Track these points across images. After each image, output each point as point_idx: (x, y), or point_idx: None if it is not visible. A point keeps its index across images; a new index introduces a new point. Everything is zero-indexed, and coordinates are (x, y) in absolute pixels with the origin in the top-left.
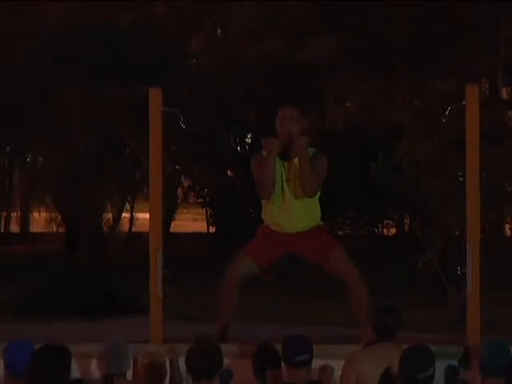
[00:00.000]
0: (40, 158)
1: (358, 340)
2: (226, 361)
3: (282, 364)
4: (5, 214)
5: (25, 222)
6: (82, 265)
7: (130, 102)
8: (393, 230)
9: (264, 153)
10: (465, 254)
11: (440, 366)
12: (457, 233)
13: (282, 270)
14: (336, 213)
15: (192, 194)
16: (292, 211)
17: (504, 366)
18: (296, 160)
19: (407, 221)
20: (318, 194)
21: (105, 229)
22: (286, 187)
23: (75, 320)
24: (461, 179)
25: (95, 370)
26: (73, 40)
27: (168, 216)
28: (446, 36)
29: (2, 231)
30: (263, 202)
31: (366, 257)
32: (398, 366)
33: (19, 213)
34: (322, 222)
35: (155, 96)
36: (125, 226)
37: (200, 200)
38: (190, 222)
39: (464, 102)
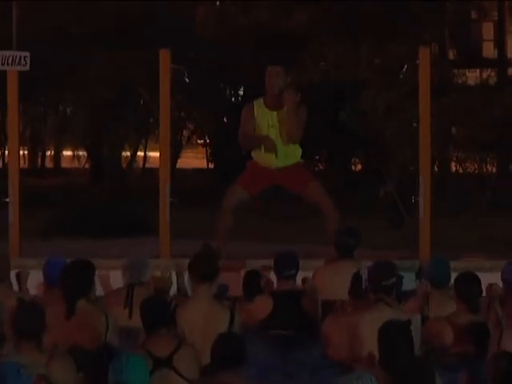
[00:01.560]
0: (69, 109)
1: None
2: (222, 274)
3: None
4: (40, 152)
5: (57, 159)
6: (104, 195)
7: (145, 61)
8: (359, 167)
9: (253, 104)
10: (418, 186)
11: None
12: (411, 168)
13: (268, 199)
14: (312, 152)
15: (194, 136)
16: (279, 149)
17: (447, 279)
18: (284, 109)
19: (372, 158)
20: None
21: (123, 165)
22: (271, 132)
23: (98, 239)
24: (415, 124)
25: (113, 281)
26: (100, 11)
27: (175, 154)
28: (404, 8)
29: (39, 167)
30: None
31: (337, 188)
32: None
33: (53, 151)
34: (301, 160)
35: (165, 56)
36: (139, 162)
37: (201, 141)
38: (193, 159)
39: (417, 61)
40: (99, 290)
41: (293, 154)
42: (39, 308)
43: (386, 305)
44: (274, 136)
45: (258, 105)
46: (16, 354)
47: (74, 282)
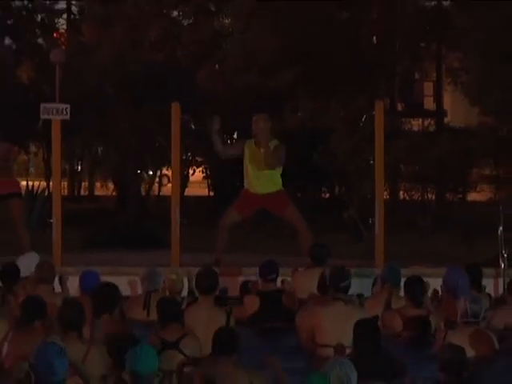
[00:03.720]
0: (100, 149)
1: (303, 264)
2: (222, 279)
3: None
4: (77, 183)
5: (91, 188)
6: (128, 216)
7: (161, 113)
8: (327, 195)
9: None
10: (374, 210)
11: (358, 281)
12: (368, 196)
13: (255, 221)
14: (290, 183)
15: (198, 170)
16: (260, 180)
17: (397, 281)
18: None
19: (337, 189)
20: (280, 169)
21: (143, 193)
22: (257, 162)
23: (123, 251)
24: (371, 162)
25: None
26: (126, 74)
27: (183, 185)
28: (362, 71)
29: (76, 194)
30: (245, 173)
31: (309, 212)
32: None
33: (87, 182)
34: (282, 188)
35: (175, 108)
36: (155, 191)
37: (204, 175)
38: (197, 188)
39: (374, 113)
40: (127, 292)
41: (274, 182)
42: (80, 305)
43: (343, 301)
44: (253, 167)
45: (249, 143)
46: (61, 341)
47: (100, 301)
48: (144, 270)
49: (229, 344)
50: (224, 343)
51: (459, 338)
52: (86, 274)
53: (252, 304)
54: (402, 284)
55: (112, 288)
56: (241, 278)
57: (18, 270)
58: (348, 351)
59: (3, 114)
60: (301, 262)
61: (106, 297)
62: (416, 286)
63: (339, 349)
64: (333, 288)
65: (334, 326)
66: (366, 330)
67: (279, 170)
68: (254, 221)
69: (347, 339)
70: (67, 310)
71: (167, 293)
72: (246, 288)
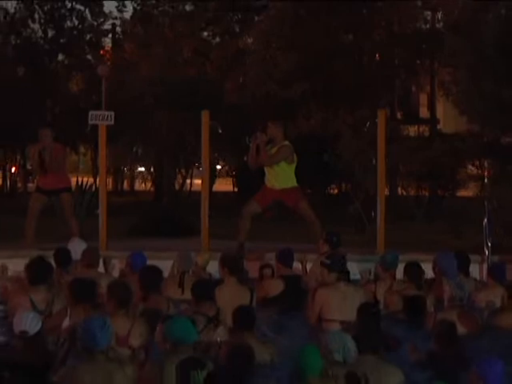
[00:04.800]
0: (140, 150)
1: (316, 250)
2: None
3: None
4: (120, 179)
5: (131, 183)
6: (164, 208)
7: (194, 118)
8: (336, 191)
9: (258, 135)
10: (376, 204)
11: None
12: (371, 192)
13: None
14: (303, 179)
15: (225, 169)
16: (278, 177)
17: (395, 264)
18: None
19: (343, 186)
20: (294, 165)
21: (177, 188)
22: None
23: (160, 238)
24: (374, 162)
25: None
26: (161, 86)
27: (211, 182)
28: (367, 82)
29: (119, 189)
30: (265, 170)
31: (319, 205)
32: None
33: (128, 179)
34: (296, 184)
35: (205, 115)
36: (187, 187)
37: (229, 173)
38: (224, 185)
39: (376, 120)
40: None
41: (290, 179)
42: (129, 286)
43: (344, 282)
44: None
45: (268, 146)
46: (108, 317)
47: (148, 279)
48: (177, 254)
49: (253, 320)
50: (249, 319)
51: (448, 317)
52: (135, 255)
53: (277, 286)
54: (402, 268)
55: (157, 269)
56: (260, 262)
57: (69, 254)
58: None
59: (58, 119)
60: (310, 248)
61: (153, 277)
62: (416, 270)
63: (345, 326)
64: (336, 272)
65: (338, 303)
66: (367, 310)
67: (292, 168)
68: (273, 212)
69: (348, 314)
70: (118, 290)
71: (199, 272)
72: (264, 271)
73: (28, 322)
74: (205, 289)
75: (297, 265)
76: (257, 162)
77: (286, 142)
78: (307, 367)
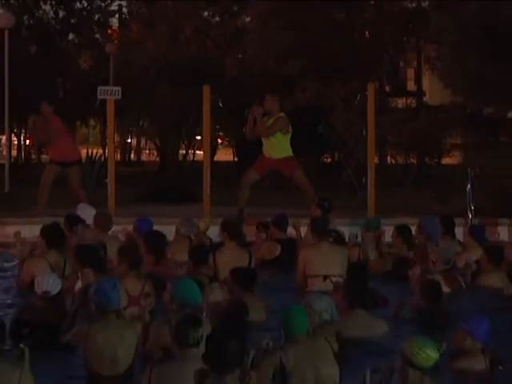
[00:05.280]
0: (145, 123)
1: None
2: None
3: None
4: (127, 151)
5: (138, 155)
6: (168, 177)
7: (196, 93)
8: (329, 160)
9: (255, 108)
10: (366, 172)
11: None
12: (362, 161)
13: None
14: (299, 149)
15: (225, 139)
16: (274, 147)
17: (378, 227)
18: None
19: (336, 155)
20: (289, 136)
21: (180, 158)
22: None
23: (164, 205)
24: (364, 133)
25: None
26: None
27: (212, 152)
28: (358, 58)
29: (127, 160)
30: (263, 141)
31: (313, 174)
32: None
33: (135, 150)
34: (292, 154)
35: (206, 90)
36: (190, 157)
37: (229, 143)
38: (224, 155)
39: (366, 93)
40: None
41: (287, 149)
42: (138, 248)
43: (327, 242)
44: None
45: (265, 118)
46: (118, 279)
47: (152, 243)
48: (181, 219)
49: (251, 279)
50: (249, 279)
51: (434, 277)
52: (142, 220)
53: (274, 249)
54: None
55: (161, 234)
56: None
57: (79, 219)
58: (334, 280)
59: (69, 94)
60: (304, 214)
61: (157, 241)
62: (405, 231)
63: (335, 285)
64: (320, 232)
65: (320, 260)
66: (355, 269)
67: (288, 139)
68: (270, 180)
69: (331, 269)
70: (129, 253)
71: (200, 236)
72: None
73: (50, 283)
74: (202, 253)
75: (291, 229)
76: (254, 133)
77: (282, 114)
78: (294, 327)
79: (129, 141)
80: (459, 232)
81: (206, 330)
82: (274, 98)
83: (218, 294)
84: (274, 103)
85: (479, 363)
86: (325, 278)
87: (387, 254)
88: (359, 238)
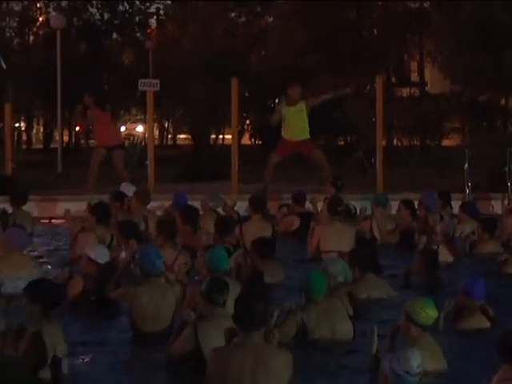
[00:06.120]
0: (180, 112)
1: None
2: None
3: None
4: (165, 136)
5: (174, 139)
6: (201, 158)
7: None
8: (342, 142)
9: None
10: (375, 153)
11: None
12: (371, 143)
13: (292, 161)
14: (316, 133)
15: (249, 126)
16: (294, 131)
17: (386, 202)
18: (297, 106)
19: (349, 138)
20: (306, 122)
21: (211, 142)
22: (287, 118)
23: (198, 182)
24: (374, 119)
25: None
26: (197, 58)
27: (239, 136)
28: (368, 53)
29: (165, 143)
30: (282, 126)
31: (329, 154)
32: None
33: (171, 136)
34: (309, 136)
35: (234, 82)
36: (220, 141)
37: (252, 130)
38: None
39: (375, 84)
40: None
41: (305, 132)
42: (174, 221)
43: (339, 221)
44: (293, 120)
45: (284, 106)
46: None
47: (189, 215)
48: (208, 195)
49: (271, 248)
50: (269, 248)
51: (434, 246)
52: (178, 196)
53: (294, 222)
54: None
55: (194, 208)
56: (279, 202)
57: (124, 194)
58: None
59: (113, 87)
60: (321, 190)
61: (191, 214)
62: (410, 204)
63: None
64: (334, 211)
65: (333, 237)
66: (364, 239)
67: (306, 123)
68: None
69: (343, 245)
70: (166, 226)
71: (229, 210)
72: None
73: (100, 253)
74: (225, 224)
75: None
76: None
77: (303, 102)
78: (315, 290)
79: (166, 126)
80: (457, 206)
81: (233, 291)
82: (296, 86)
83: (240, 260)
84: (297, 91)
85: (479, 321)
86: (338, 253)
87: (395, 226)
88: (369, 211)
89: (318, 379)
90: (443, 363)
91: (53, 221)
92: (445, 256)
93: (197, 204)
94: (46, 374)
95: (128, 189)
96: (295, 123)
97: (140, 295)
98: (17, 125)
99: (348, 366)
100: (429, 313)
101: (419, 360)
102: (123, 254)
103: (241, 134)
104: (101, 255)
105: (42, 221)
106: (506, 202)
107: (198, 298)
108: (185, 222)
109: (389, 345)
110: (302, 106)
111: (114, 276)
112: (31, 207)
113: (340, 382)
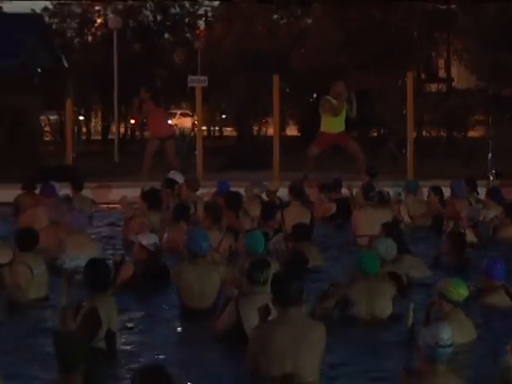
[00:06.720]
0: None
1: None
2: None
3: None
4: (212, 128)
5: (221, 131)
6: (245, 149)
7: (266, 82)
8: (375, 134)
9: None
10: (406, 144)
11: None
12: (402, 136)
13: (330, 153)
14: (353, 126)
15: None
16: (333, 124)
17: (416, 189)
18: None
19: (382, 130)
20: (344, 115)
21: (254, 133)
22: (327, 113)
23: (241, 170)
24: (404, 112)
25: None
26: (242, 56)
27: (281, 128)
28: (399, 51)
29: (212, 135)
30: (322, 120)
31: (363, 146)
32: None
33: (218, 128)
34: (345, 129)
35: (276, 79)
36: (263, 132)
37: (295, 121)
38: (291, 131)
39: (406, 79)
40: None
41: (342, 125)
42: (220, 206)
43: (371, 206)
44: (333, 114)
45: (326, 99)
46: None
47: (232, 202)
48: (252, 182)
49: (309, 233)
50: (306, 232)
51: (461, 230)
52: (222, 183)
53: (330, 207)
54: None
55: (238, 194)
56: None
57: (175, 181)
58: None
59: (165, 83)
60: (356, 177)
61: (235, 199)
62: (439, 190)
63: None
64: (365, 197)
65: (366, 222)
66: (390, 226)
67: (344, 117)
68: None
69: (375, 230)
70: (213, 210)
71: (272, 196)
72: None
73: (151, 240)
74: (270, 210)
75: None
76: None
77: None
78: (367, 267)
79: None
80: (482, 192)
81: (274, 271)
82: (339, 82)
83: (281, 243)
84: (340, 87)
85: (503, 299)
86: (370, 237)
87: (425, 211)
88: (402, 197)
89: (357, 351)
90: (473, 336)
91: (108, 206)
92: (470, 239)
93: (241, 191)
94: (101, 345)
95: (176, 176)
96: (336, 117)
97: (187, 274)
98: (81, 118)
99: (385, 340)
100: (460, 291)
101: (449, 333)
102: (166, 236)
103: (282, 126)
104: (151, 242)
105: (99, 206)
106: None
107: (241, 277)
108: (228, 207)
109: (423, 320)
110: (342, 102)
111: (162, 260)
112: (88, 193)
113: (378, 354)
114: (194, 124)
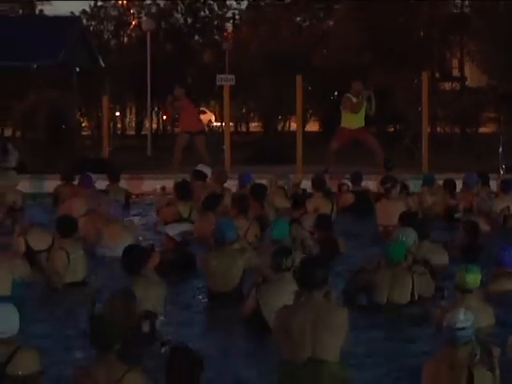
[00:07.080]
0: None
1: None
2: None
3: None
4: (239, 123)
5: (247, 126)
6: (270, 143)
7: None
8: (392, 129)
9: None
10: (421, 139)
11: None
12: (418, 131)
13: (351, 148)
14: (371, 122)
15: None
16: (353, 120)
17: (432, 182)
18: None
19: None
20: (364, 112)
21: (279, 129)
22: (347, 110)
23: (265, 164)
24: (420, 109)
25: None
26: (267, 57)
27: (303, 124)
28: (415, 51)
29: (239, 130)
30: (343, 116)
31: (381, 140)
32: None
33: (246, 124)
34: (364, 125)
35: (299, 79)
36: (287, 128)
37: (316, 118)
38: (312, 127)
39: (421, 78)
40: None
41: (361, 121)
42: (246, 196)
43: (387, 198)
44: (352, 111)
45: (347, 97)
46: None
47: (256, 194)
48: (277, 175)
49: (330, 223)
50: (327, 223)
51: (475, 219)
52: (244, 176)
53: (349, 198)
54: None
55: (264, 186)
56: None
57: (204, 174)
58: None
59: (195, 82)
60: (375, 171)
61: (260, 191)
62: (452, 184)
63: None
64: (386, 188)
65: (386, 213)
66: (409, 217)
67: (363, 114)
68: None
69: (392, 220)
70: (240, 200)
71: (295, 188)
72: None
73: (178, 231)
74: (298, 200)
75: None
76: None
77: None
78: (393, 255)
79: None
80: (493, 185)
81: (297, 257)
82: (358, 81)
83: (304, 232)
84: (359, 85)
85: None
86: (385, 227)
87: (440, 202)
88: (417, 189)
89: (380, 329)
90: (491, 322)
91: (140, 196)
92: (483, 228)
93: (265, 182)
94: (145, 327)
95: (205, 169)
96: (355, 113)
97: (211, 260)
98: (117, 114)
99: (407, 318)
100: (475, 277)
101: (465, 316)
102: (195, 226)
103: (304, 122)
104: (177, 232)
105: (132, 196)
106: None
107: (266, 263)
108: (254, 198)
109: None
110: (362, 99)
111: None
112: (122, 185)
113: (400, 332)
114: (209, 121)
